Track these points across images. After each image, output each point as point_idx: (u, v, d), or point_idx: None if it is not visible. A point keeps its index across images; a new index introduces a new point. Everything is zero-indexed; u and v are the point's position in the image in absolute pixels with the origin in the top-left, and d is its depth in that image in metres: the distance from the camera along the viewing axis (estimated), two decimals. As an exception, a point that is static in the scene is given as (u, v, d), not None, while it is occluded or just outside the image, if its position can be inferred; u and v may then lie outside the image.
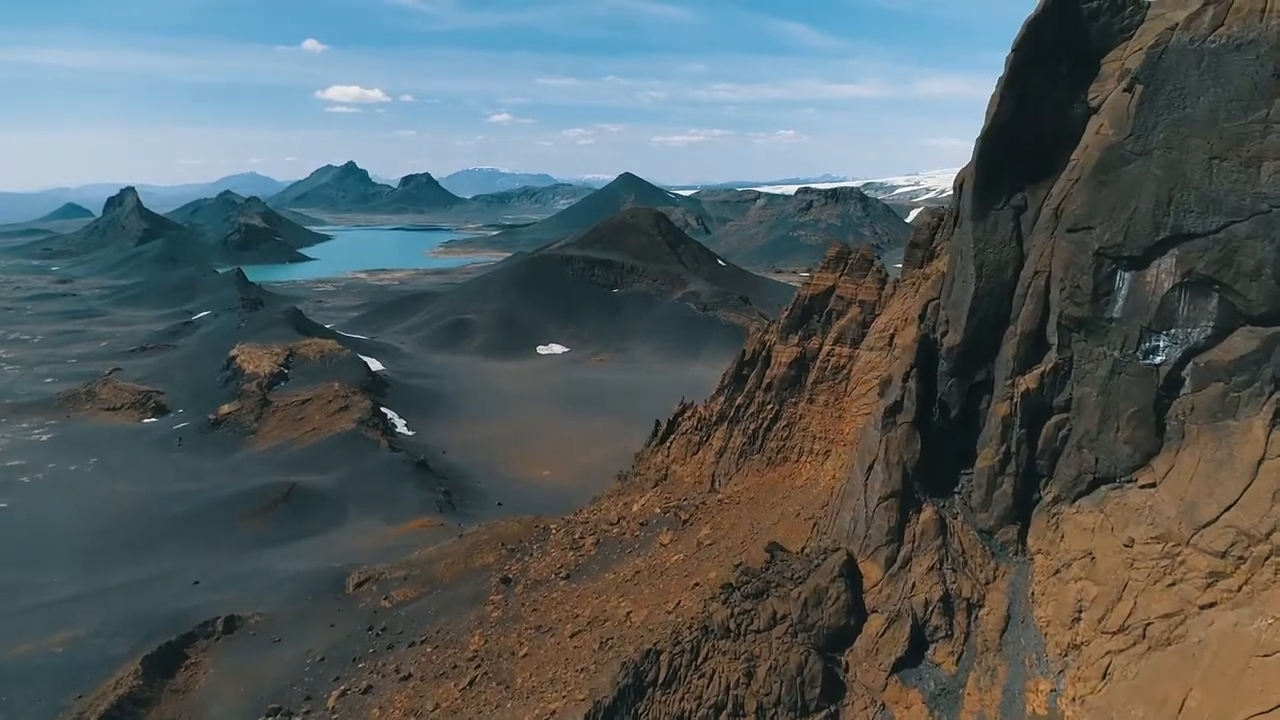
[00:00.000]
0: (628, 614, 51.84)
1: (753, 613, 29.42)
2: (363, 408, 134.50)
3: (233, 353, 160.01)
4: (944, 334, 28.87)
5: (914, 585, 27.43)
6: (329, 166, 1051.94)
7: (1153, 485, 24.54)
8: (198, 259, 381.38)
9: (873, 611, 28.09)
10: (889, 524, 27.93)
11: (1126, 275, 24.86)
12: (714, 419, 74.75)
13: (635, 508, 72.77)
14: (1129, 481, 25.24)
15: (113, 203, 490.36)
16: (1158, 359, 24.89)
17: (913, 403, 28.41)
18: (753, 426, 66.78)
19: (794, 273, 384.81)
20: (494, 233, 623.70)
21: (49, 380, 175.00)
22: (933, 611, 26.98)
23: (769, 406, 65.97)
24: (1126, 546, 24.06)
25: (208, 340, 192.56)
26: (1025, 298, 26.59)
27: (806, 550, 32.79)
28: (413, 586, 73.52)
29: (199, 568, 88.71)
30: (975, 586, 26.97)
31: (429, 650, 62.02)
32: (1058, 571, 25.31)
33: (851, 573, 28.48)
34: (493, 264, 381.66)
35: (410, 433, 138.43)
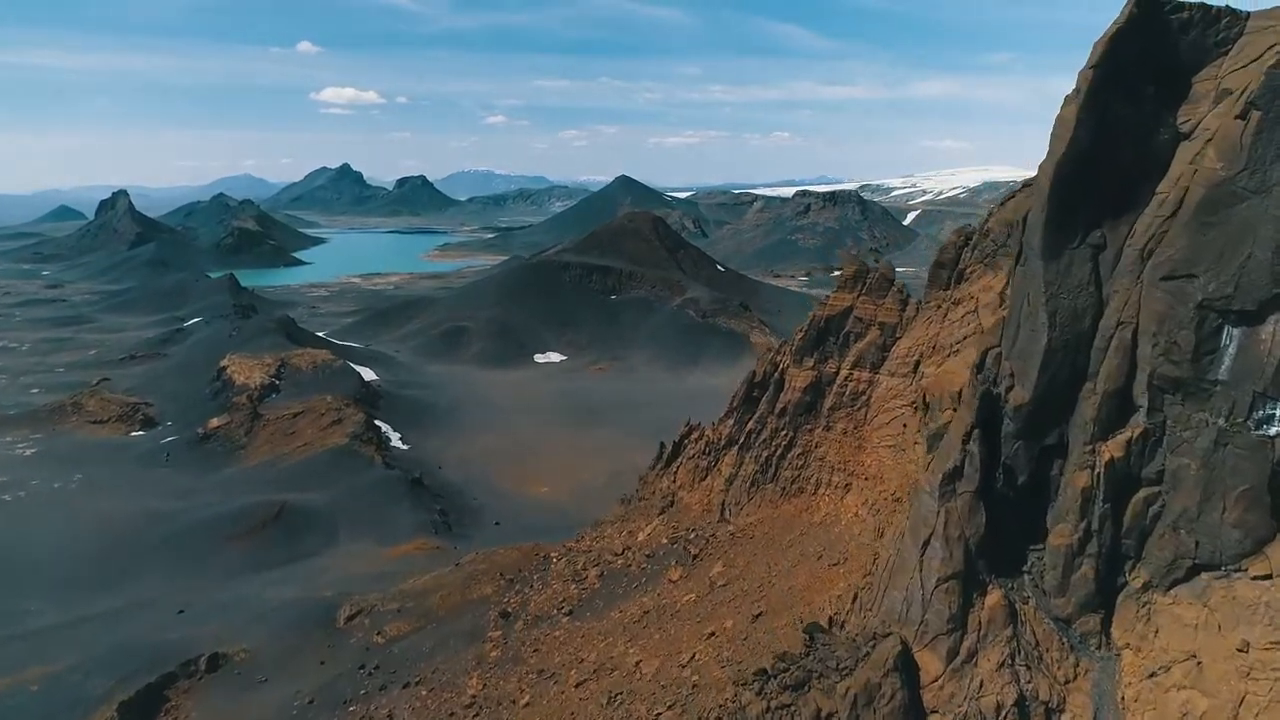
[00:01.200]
0: (637, 663, 48.32)
1: (793, 708, 25.90)
2: (356, 421, 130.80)
3: (223, 363, 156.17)
4: (1009, 389, 25.43)
5: (982, 683, 23.96)
6: (324, 169, 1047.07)
7: (1268, 577, 21.17)
8: (190, 263, 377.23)
9: (933, 712, 24.60)
10: (950, 609, 24.41)
11: (1235, 332, 21.49)
12: (722, 443, 71.23)
13: (640, 537, 69.24)
14: (1238, 571, 21.85)
15: (104, 206, 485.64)
16: (1273, 430, 21.51)
17: (976, 470, 24.93)
18: (765, 454, 63.26)
19: (792, 277, 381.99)
20: (489, 235, 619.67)
21: (35, 391, 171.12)
22: (1005, 717, 23.48)
23: (782, 433, 62.49)
24: (1240, 651, 20.74)
25: (198, 349, 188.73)
26: (1107, 351, 23.14)
27: (847, 627, 29.37)
28: (407, 620, 69.98)
29: (184, 594, 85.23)
30: (1053, 686, 23.49)
31: (424, 693, 58.42)
32: (1154, 674, 21.88)
33: (907, 665, 24.97)
34: (488, 268, 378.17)
35: (405, 446, 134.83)
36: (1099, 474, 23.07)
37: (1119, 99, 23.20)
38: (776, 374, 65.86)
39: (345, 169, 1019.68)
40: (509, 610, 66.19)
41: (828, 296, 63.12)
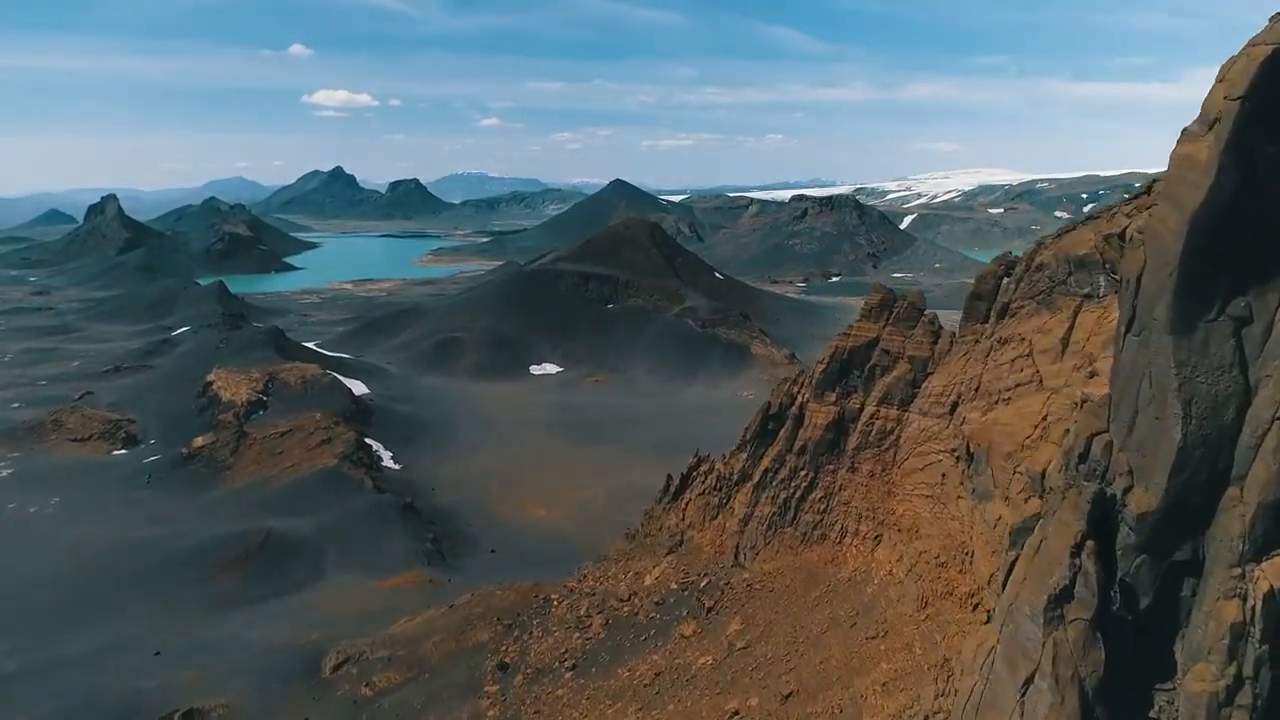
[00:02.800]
0: (651, 740, 43.85)
1: None
2: (346, 440, 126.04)
3: (209, 378, 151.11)
4: (1126, 489, 20.99)
5: None
6: (316, 172, 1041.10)
7: None
8: (180, 269, 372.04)
9: None
10: (1063, 769, 19.96)
11: None
12: (735, 478, 66.67)
13: (648, 580, 64.71)
14: None
15: (94, 210, 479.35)
16: None
17: (1092, 593, 20.37)
18: (783, 495, 58.77)
19: (790, 283, 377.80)
20: (484, 240, 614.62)
21: (15, 405, 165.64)
22: None
23: (802, 473, 58.01)
24: None
25: (185, 361, 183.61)
26: (1259, 452, 18.75)
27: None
28: (397, 669, 65.37)
29: (162, 633, 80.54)
30: None
31: (415, 759, 54.05)
32: None
33: (1008, 835, 20.48)
34: (482, 273, 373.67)
35: (396, 466, 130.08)
36: (1254, 606, 18.56)
37: (1269, 137, 18.84)
38: (794, 407, 61.34)
39: (338, 172, 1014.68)
40: (507, 661, 61.70)
41: (851, 325, 58.64)
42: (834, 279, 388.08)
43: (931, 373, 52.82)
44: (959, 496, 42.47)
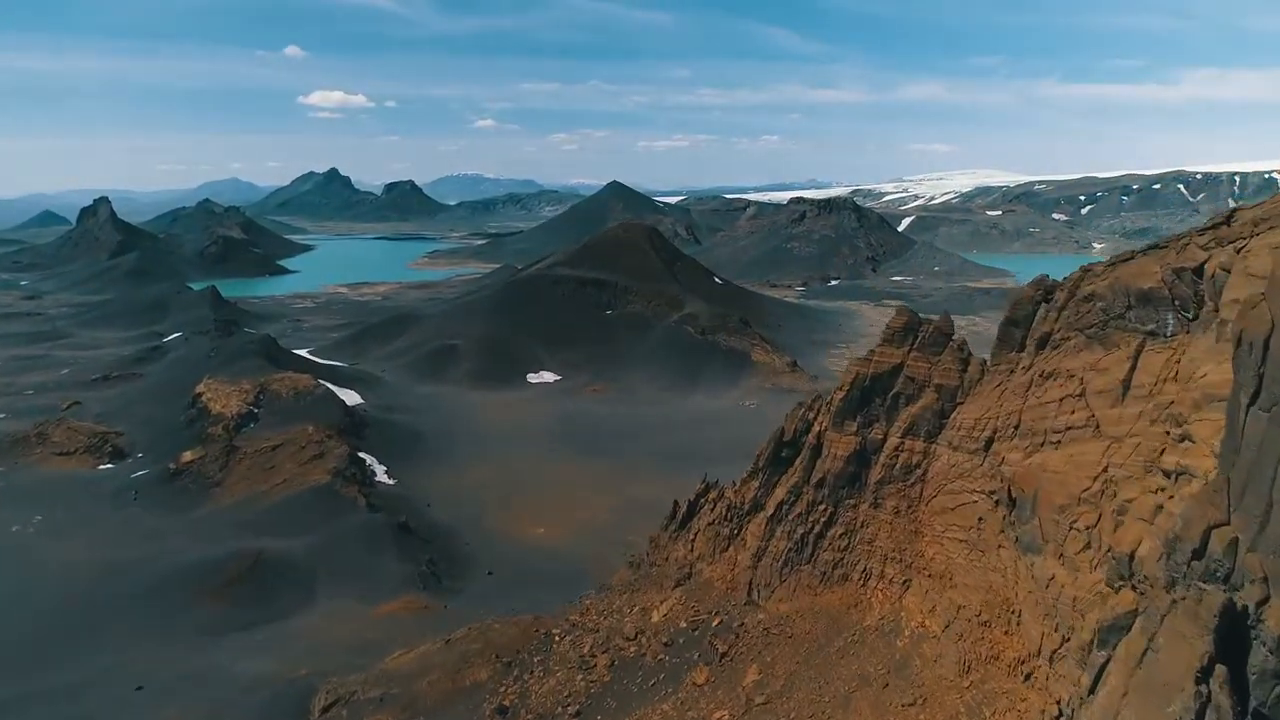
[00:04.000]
0: (664, 809, 40.40)
1: None
2: (338, 455, 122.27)
3: (199, 389, 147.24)
4: (1262, 601, 17.63)
5: None
6: (312, 173, 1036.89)
7: None
8: (173, 273, 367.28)
9: None
10: None
11: None
12: (746, 508, 63.24)
13: (655, 617, 61.22)
14: None
15: (86, 213, 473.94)
16: None
17: (1225, 730, 17.11)
18: (800, 530, 55.37)
19: (789, 286, 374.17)
20: (480, 242, 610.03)
21: (1, 416, 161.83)
22: None
23: (820, 507, 54.63)
24: None
25: (175, 369, 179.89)
26: None
27: None
28: (390, 711, 61.87)
29: (145, 664, 77.02)
30: None
31: (408, 816, 50.57)
32: None
33: None
34: (479, 276, 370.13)
35: (391, 481, 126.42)
36: None
37: None
38: (811, 435, 57.90)
39: (333, 173, 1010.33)
40: (507, 704, 58.29)
41: (872, 350, 55.23)
42: (833, 283, 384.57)
43: (961, 403, 49.50)
44: (1000, 546, 39.11)
